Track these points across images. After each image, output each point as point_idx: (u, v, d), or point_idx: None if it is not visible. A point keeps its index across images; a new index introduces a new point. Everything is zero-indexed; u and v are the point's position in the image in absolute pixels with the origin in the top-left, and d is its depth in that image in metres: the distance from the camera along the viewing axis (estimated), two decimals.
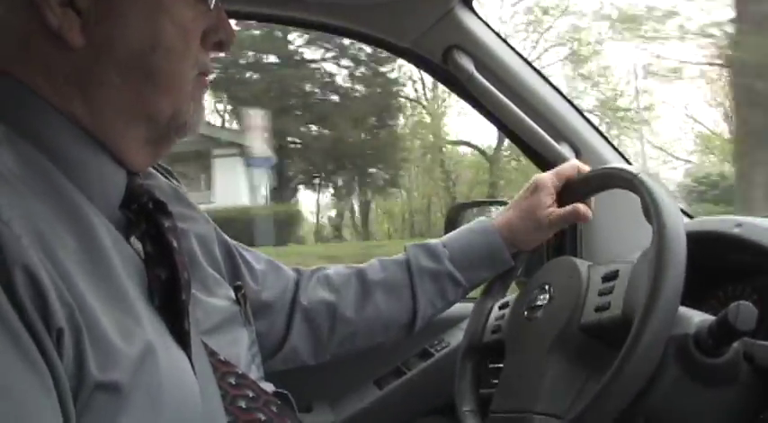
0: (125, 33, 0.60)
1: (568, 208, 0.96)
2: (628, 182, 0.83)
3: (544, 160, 1.22)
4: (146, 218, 0.64)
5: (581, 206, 0.95)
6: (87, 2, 0.58)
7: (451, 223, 1.31)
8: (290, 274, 1.00)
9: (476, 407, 0.95)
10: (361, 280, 0.98)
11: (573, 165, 0.99)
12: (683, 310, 0.71)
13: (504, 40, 1.20)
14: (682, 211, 1.00)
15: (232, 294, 0.83)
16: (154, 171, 0.84)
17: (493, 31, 1.18)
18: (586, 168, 0.98)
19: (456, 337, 1.28)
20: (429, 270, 0.98)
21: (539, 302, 0.87)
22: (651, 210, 0.76)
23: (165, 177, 0.87)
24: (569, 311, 0.81)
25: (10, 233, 0.46)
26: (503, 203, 1.25)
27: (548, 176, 0.98)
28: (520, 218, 0.98)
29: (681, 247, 0.70)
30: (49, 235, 0.50)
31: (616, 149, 1.25)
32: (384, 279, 0.98)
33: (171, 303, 0.61)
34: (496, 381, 0.91)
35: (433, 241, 1.01)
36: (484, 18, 1.18)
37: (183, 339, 0.61)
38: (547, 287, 0.88)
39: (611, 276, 0.80)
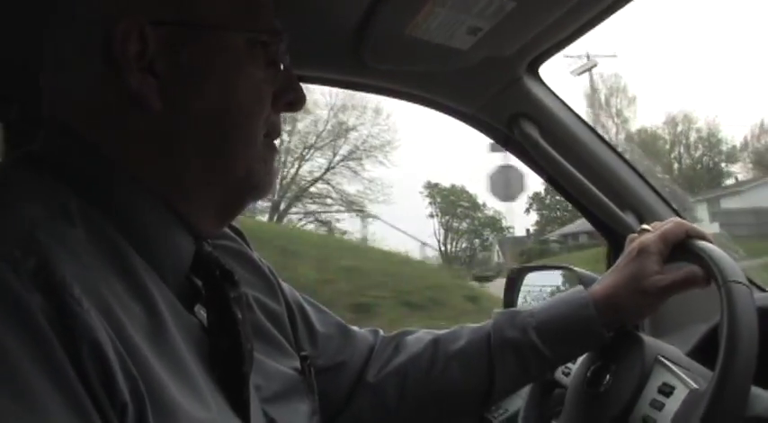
0: (201, 95, 0.60)
1: (682, 272, 0.84)
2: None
3: (608, 229, 1.22)
4: (212, 286, 0.64)
5: (697, 269, 0.82)
6: (165, 65, 0.58)
7: (512, 286, 1.31)
8: (366, 339, 0.96)
9: None
10: (437, 348, 0.93)
11: (681, 227, 0.86)
12: (756, 390, 0.69)
13: (570, 108, 1.20)
14: (752, 282, 0.98)
15: (298, 364, 0.82)
16: (226, 231, 0.84)
17: (559, 98, 1.18)
18: (697, 230, 0.86)
19: (515, 404, 1.26)
20: (512, 341, 0.89)
21: (601, 380, 0.88)
22: (720, 286, 0.74)
23: (235, 237, 0.87)
24: (628, 397, 0.81)
25: (81, 310, 0.47)
26: (566, 269, 1.24)
27: (652, 239, 0.86)
28: (622, 287, 0.86)
29: (752, 325, 0.69)
30: (117, 308, 0.50)
31: (681, 217, 1.23)
32: (461, 349, 0.92)
33: (231, 374, 0.61)
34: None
35: (520, 310, 0.94)
36: (550, 85, 1.18)
37: (242, 410, 0.61)
38: (612, 366, 0.88)
39: (668, 391, 0.79)
